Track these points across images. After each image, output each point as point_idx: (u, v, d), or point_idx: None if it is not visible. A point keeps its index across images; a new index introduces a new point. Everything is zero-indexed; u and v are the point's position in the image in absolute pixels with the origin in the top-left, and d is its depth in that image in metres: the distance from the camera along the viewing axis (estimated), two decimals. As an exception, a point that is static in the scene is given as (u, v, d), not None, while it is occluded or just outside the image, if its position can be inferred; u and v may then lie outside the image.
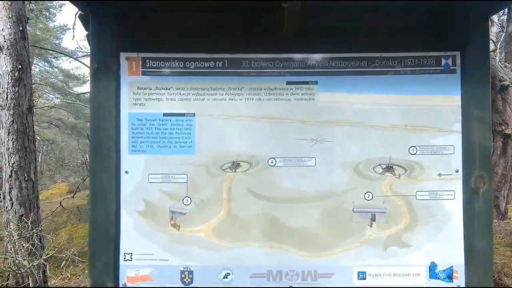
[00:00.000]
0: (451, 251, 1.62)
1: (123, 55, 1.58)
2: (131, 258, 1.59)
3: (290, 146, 1.61)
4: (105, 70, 1.57)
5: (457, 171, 1.61)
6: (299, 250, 1.59)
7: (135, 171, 1.59)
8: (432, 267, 1.63)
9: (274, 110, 1.61)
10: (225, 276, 1.61)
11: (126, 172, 1.59)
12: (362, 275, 1.63)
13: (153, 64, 1.60)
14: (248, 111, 1.60)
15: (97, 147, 1.59)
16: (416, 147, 1.63)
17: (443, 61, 1.64)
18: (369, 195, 1.64)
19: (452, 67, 1.63)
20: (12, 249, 3.46)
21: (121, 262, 1.59)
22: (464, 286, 1.65)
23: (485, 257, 1.60)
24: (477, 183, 1.63)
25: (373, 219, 1.63)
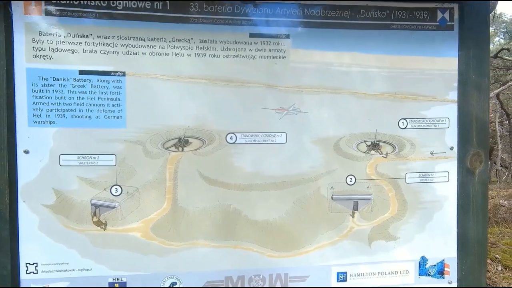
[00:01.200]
0: (443, 242, 1.32)
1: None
2: (36, 269, 0.97)
3: (254, 117, 1.18)
4: None
5: (451, 148, 1.21)
6: (265, 249, 1.14)
7: (40, 151, 0.99)
8: (422, 262, 1.21)
9: (233, 71, 1.16)
10: (171, 286, 1.00)
11: (26, 151, 0.95)
12: (342, 276, 1.13)
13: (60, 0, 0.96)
14: (199, 70, 1.16)
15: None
16: (407, 119, 1.16)
17: (439, 15, 1.14)
18: (351, 178, 1.13)
19: (450, 23, 1.15)
20: None
21: (22, 275, 0.95)
22: (456, 283, 1.16)
23: (480, 247, 1.34)
24: (473, 162, 1.16)
25: (355, 208, 1.15)
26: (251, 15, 1.17)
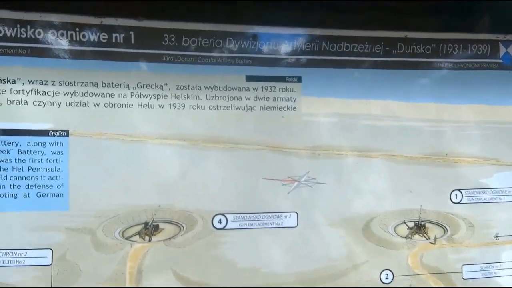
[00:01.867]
0: None
1: None
2: None
3: (252, 192, 0.86)
4: None
5: (523, 229, 0.78)
6: None
7: None
8: None
9: (223, 127, 0.85)
10: None
11: None
12: None
13: None
14: (175, 127, 0.84)
15: None
16: (462, 191, 0.84)
17: (502, 50, 0.89)
18: (387, 275, 0.79)
19: (516, 61, 0.80)
20: None
21: None
22: None
23: None
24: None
25: (394, 317, 0.76)
26: (248, 50, 0.82)
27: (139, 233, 0.83)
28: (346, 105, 0.90)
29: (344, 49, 0.89)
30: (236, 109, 0.86)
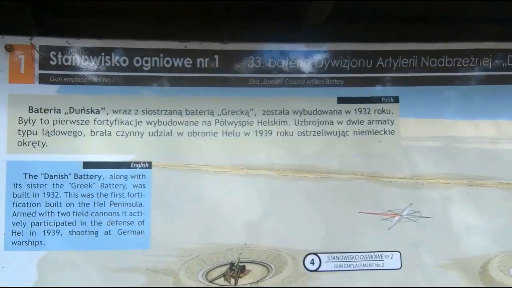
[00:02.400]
0: None
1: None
2: None
3: (348, 228, 0.75)
4: None
5: None
6: None
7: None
8: None
9: (314, 155, 0.76)
10: None
11: None
12: None
13: (65, 60, 0.71)
14: (262, 156, 0.75)
15: None
16: None
17: None
18: None
19: None
20: None
21: None
22: None
23: None
24: None
25: None
26: (339, 69, 0.73)
27: (224, 275, 0.74)
28: (451, 126, 0.78)
29: (446, 64, 0.78)
30: (328, 134, 0.77)
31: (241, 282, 0.72)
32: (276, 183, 0.73)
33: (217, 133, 0.73)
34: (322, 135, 0.75)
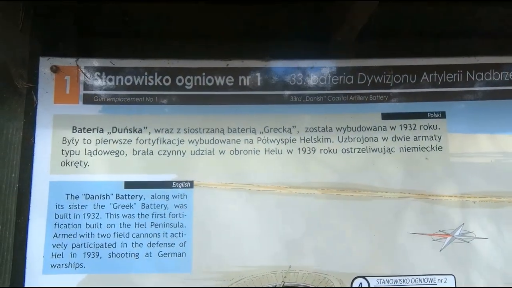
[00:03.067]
0: None
1: (45, 63, 0.73)
2: None
3: (397, 249, 0.71)
4: (3, 93, 0.67)
5: None
6: None
7: None
8: None
9: (360, 173, 0.73)
10: None
11: None
12: None
13: (109, 80, 0.69)
14: (306, 175, 0.73)
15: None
16: None
17: None
18: None
19: None
20: None
21: None
22: None
23: None
24: None
25: None
26: (383, 85, 0.71)
27: None
28: (501, 142, 0.75)
29: (493, 78, 0.76)
30: (372, 151, 0.74)
31: (286, 307, 0.68)
32: (320, 202, 0.70)
33: (259, 151, 0.71)
34: (367, 152, 0.72)
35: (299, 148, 0.71)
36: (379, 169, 0.71)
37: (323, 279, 0.69)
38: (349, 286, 0.69)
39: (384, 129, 0.73)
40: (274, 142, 0.71)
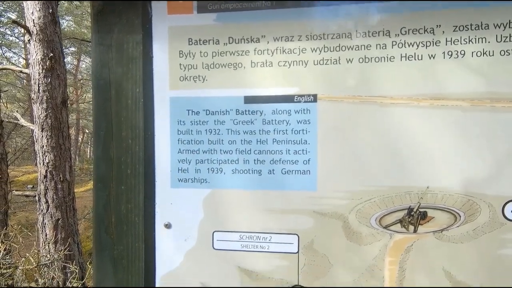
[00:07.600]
0: None
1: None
2: None
3: None
4: (119, 4, 0.63)
5: None
6: None
7: (186, 225, 0.68)
8: None
9: None
10: None
11: (167, 225, 0.58)
12: None
13: None
14: (453, 84, 0.58)
15: (104, 177, 0.67)
16: None
17: None
18: None
19: None
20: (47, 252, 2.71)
21: None
22: None
23: None
24: None
25: None
26: None
27: (401, 221, 0.62)
28: None
29: None
30: (541, 53, 0.57)
31: (421, 229, 0.60)
32: (469, 116, 0.58)
33: (394, 58, 0.59)
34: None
35: (443, 52, 0.58)
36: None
37: (467, 201, 0.59)
38: (500, 211, 0.58)
39: (560, 23, 0.55)
40: (412, 46, 0.59)
